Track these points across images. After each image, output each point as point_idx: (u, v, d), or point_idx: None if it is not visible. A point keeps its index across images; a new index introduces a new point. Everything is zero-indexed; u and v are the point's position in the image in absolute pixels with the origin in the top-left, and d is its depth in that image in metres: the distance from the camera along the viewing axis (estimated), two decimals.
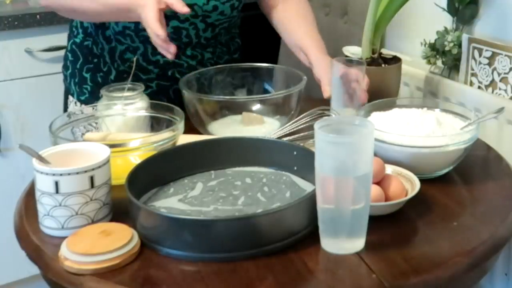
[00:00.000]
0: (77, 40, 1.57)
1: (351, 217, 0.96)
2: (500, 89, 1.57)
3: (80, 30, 1.57)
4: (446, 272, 0.95)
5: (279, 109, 1.42)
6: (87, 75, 1.56)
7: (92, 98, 1.54)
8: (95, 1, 1.39)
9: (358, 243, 0.98)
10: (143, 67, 1.52)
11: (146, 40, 1.46)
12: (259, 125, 1.40)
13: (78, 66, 1.57)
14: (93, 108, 1.33)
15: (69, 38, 1.62)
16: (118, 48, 1.51)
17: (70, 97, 1.61)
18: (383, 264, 0.95)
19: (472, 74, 1.64)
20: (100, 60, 1.55)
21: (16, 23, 2.08)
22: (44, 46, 2.13)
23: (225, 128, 1.39)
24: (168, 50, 1.28)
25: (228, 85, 1.54)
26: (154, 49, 1.48)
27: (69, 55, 1.60)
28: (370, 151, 0.95)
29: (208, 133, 1.40)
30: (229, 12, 1.50)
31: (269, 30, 1.65)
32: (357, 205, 0.95)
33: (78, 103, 1.58)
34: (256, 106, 1.44)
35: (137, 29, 1.47)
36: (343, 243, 0.98)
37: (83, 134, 1.39)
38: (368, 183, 0.97)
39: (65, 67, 1.63)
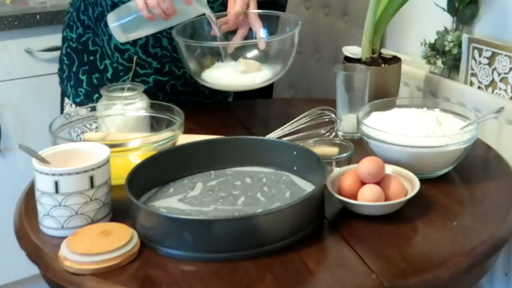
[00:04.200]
0: (74, 36, 1.57)
1: None
2: (500, 89, 1.57)
3: (78, 24, 1.57)
4: (446, 272, 0.95)
5: (274, 55, 1.39)
6: (83, 77, 1.57)
7: (87, 100, 1.55)
8: None
9: None
10: (142, 60, 1.52)
11: None
12: (256, 72, 1.38)
13: (74, 69, 1.58)
14: (88, 110, 1.33)
15: (63, 41, 1.62)
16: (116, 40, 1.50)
17: (66, 99, 1.62)
18: (383, 264, 0.95)
19: (472, 74, 1.63)
20: (96, 57, 1.55)
21: (16, 23, 2.08)
22: (44, 46, 2.13)
23: (220, 75, 1.37)
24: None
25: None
26: (155, 41, 1.48)
27: (65, 58, 1.60)
28: None
29: (203, 81, 1.38)
30: None
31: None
32: None
33: (74, 105, 1.58)
34: (252, 53, 1.41)
35: None
36: None
37: (78, 135, 1.40)
38: None
39: (61, 70, 1.63)
